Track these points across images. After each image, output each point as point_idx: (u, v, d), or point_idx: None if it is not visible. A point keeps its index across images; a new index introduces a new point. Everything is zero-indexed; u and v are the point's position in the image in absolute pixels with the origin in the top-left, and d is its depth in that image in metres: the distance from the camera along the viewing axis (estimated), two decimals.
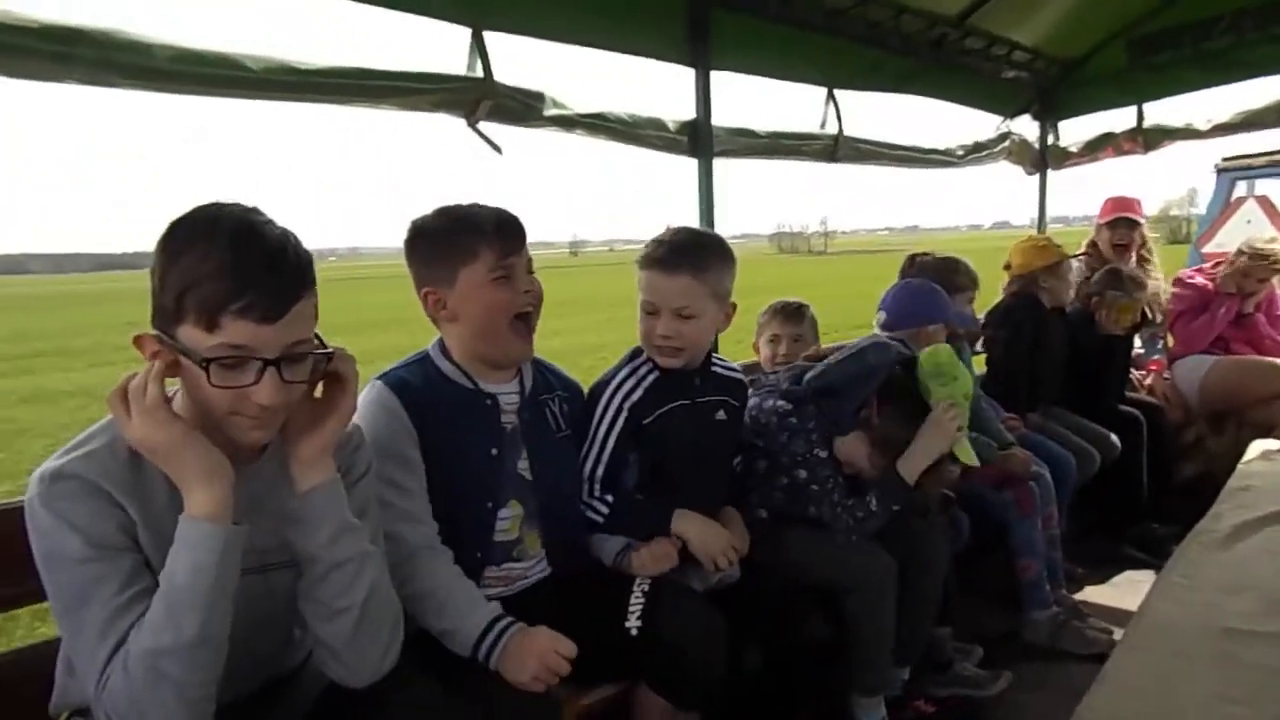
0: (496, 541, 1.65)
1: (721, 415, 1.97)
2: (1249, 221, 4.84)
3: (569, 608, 1.59)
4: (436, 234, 1.62)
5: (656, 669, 1.58)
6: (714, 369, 1.97)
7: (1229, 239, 4.83)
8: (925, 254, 3.03)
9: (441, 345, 1.69)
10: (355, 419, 1.32)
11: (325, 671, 1.22)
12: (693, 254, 1.79)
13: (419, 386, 1.61)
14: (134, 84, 1.73)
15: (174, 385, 1.12)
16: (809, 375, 2.11)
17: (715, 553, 1.79)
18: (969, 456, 2.08)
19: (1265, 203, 4.71)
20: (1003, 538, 2.68)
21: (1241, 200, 5.04)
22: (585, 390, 1.91)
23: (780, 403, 2.10)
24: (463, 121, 2.32)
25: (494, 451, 1.64)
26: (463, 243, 1.59)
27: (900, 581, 2.04)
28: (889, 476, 2.03)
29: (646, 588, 1.62)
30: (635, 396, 1.85)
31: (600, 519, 1.82)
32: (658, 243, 1.82)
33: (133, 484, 1.09)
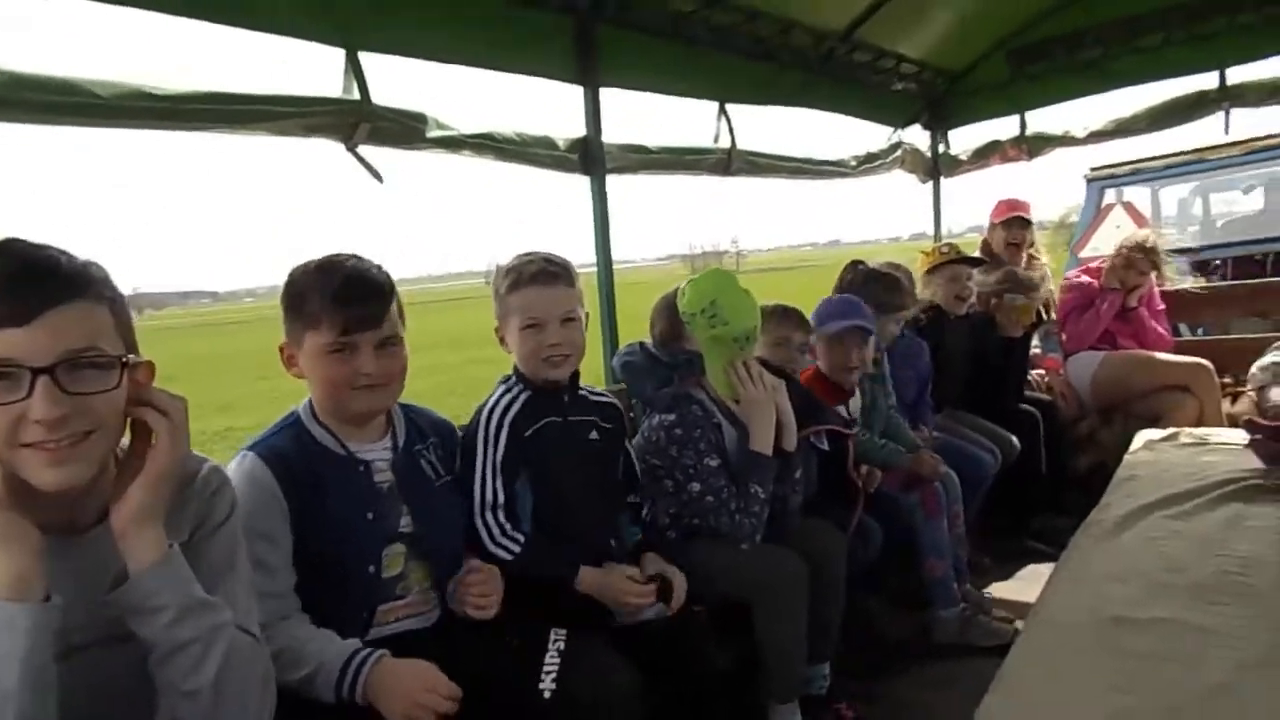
0: (383, 579, 1.58)
1: (594, 435, 1.96)
2: (1118, 226, 5.13)
3: (471, 656, 1.53)
4: (295, 289, 1.55)
5: None
6: (581, 391, 1.98)
7: (1102, 243, 5.13)
8: (862, 263, 3.07)
9: (311, 406, 1.62)
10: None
11: None
12: (562, 266, 1.87)
13: (291, 455, 1.53)
14: None
15: None
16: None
17: (625, 605, 1.81)
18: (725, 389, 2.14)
19: (1131, 209, 5.03)
20: (911, 539, 2.71)
21: (1110, 207, 5.34)
22: (457, 428, 1.87)
23: (665, 416, 2.08)
24: (341, 147, 2.24)
25: (369, 515, 1.57)
26: (308, 307, 1.52)
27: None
28: (752, 461, 2.07)
29: (562, 646, 1.56)
30: (512, 412, 1.86)
31: (509, 557, 1.77)
32: (528, 263, 1.85)
33: None
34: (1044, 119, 4.44)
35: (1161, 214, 6.36)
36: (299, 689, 1.40)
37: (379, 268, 1.57)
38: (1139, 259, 3.86)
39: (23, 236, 1.00)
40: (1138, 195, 5.77)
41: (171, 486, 1.08)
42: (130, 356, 1.04)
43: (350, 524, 1.54)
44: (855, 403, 2.70)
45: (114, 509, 1.04)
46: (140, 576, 1.03)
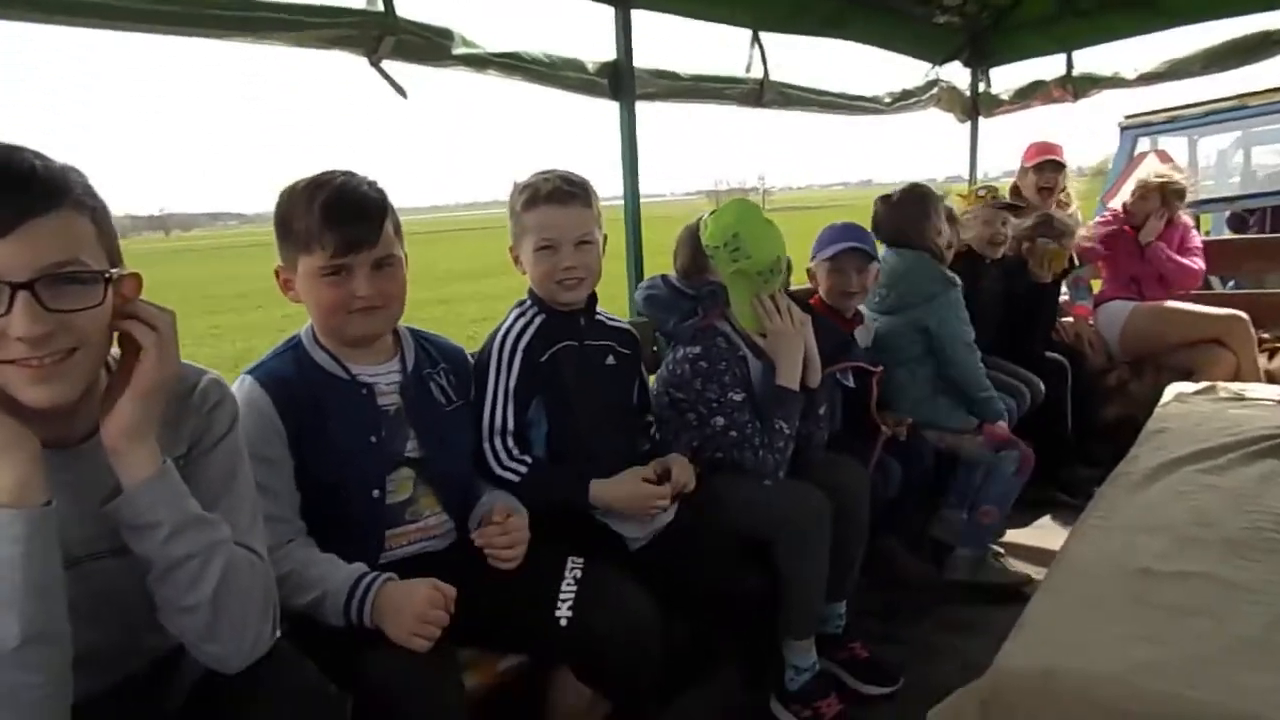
0: (388, 505, 1.57)
1: (611, 360, 1.93)
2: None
3: (486, 581, 1.52)
4: (285, 211, 1.50)
5: (584, 659, 1.53)
6: (598, 316, 1.95)
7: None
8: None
9: (312, 330, 1.58)
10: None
11: (195, 656, 1.11)
12: (580, 185, 1.82)
13: (290, 378, 1.50)
14: None
15: None
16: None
17: (643, 507, 1.80)
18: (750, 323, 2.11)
19: (1164, 156, 4.80)
20: (929, 480, 2.68)
21: (1143, 155, 5.12)
22: (469, 355, 1.84)
23: (689, 348, 2.05)
24: (365, 61, 2.17)
25: (373, 439, 1.54)
26: (298, 230, 1.47)
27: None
28: (778, 396, 2.04)
29: (579, 574, 1.55)
30: (527, 337, 1.82)
31: (516, 479, 1.75)
32: (544, 180, 1.80)
33: None
34: (1092, 58, 4.24)
35: (1199, 164, 6.15)
36: (307, 612, 1.41)
37: (371, 184, 1.51)
38: (1151, 192, 3.77)
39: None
40: (1174, 145, 5.55)
41: (162, 400, 1.06)
42: (114, 271, 1.00)
43: (352, 448, 1.52)
44: (864, 333, 2.64)
45: (104, 424, 1.02)
46: (133, 492, 1.02)
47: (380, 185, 1.53)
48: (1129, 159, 5.16)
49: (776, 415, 2.04)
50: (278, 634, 1.15)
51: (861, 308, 2.66)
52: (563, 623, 1.49)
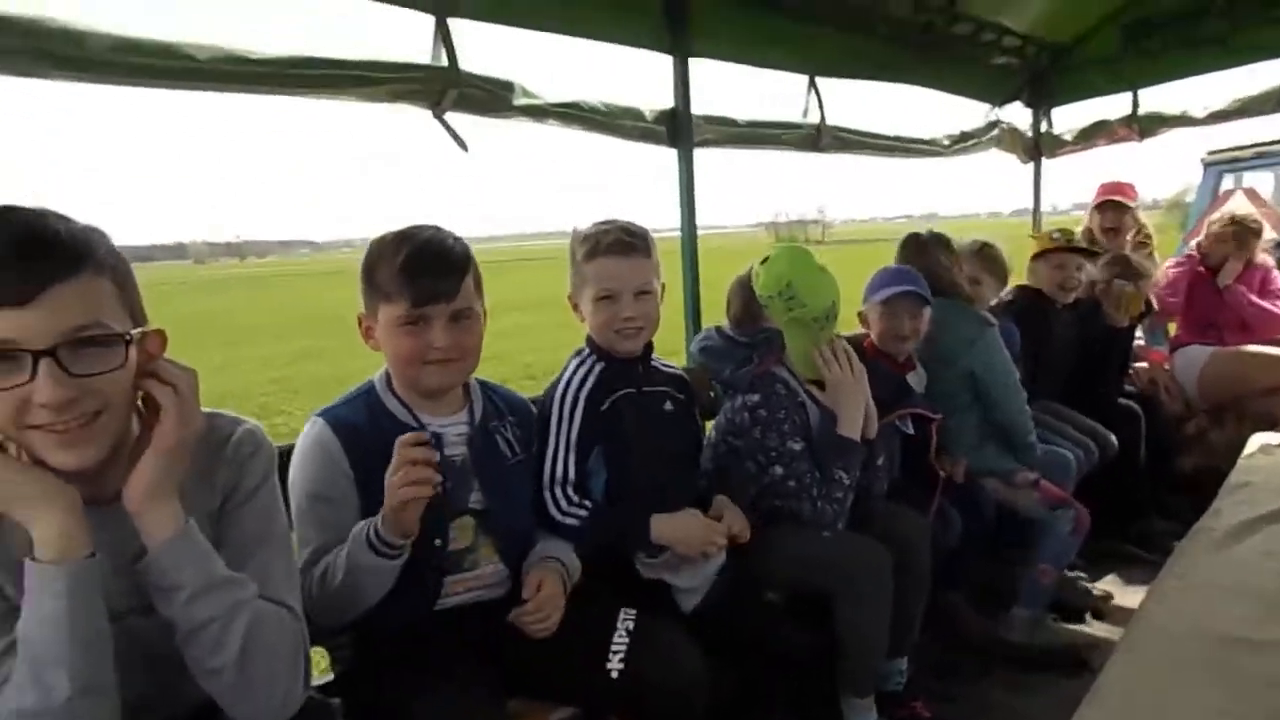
0: (449, 552, 1.57)
1: (669, 406, 1.94)
2: None
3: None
4: (371, 261, 1.54)
5: (634, 710, 1.52)
6: (654, 364, 1.95)
7: None
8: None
9: (386, 377, 1.62)
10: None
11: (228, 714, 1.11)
12: (640, 237, 1.84)
13: (360, 425, 1.53)
14: (67, 75, 1.64)
15: None
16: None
17: (700, 545, 1.78)
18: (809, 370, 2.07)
19: (1252, 194, 4.63)
20: (988, 530, 2.61)
21: (1229, 194, 4.95)
22: (533, 406, 1.84)
23: (748, 396, 2.03)
24: (429, 113, 2.23)
25: (438, 490, 1.51)
26: (381, 279, 1.51)
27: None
28: (839, 446, 2.01)
29: (631, 626, 1.54)
30: (588, 386, 1.84)
31: (576, 524, 1.75)
32: (605, 231, 1.82)
33: None
34: (1159, 96, 4.15)
35: None
36: (352, 598, 1.41)
37: (456, 239, 1.55)
38: (1227, 233, 3.64)
39: (20, 204, 0.97)
40: (1261, 181, 5.35)
41: (185, 459, 1.06)
42: (133, 332, 1.01)
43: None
44: (917, 378, 2.57)
45: (126, 485, 1.02)
46: (156, 554, 1.02)
47: (464, 240, 1.56)
48: (1213, 196, 4.98)
49: (836, 465, 2.01)
50: (310, 690, 1.15)
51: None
52: (614, 674, 1.48)
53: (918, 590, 2.10)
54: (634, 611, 1.58)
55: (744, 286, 2.32)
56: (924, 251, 2.78)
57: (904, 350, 2.52)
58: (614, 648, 1.51)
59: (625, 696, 1.49)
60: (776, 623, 1.82)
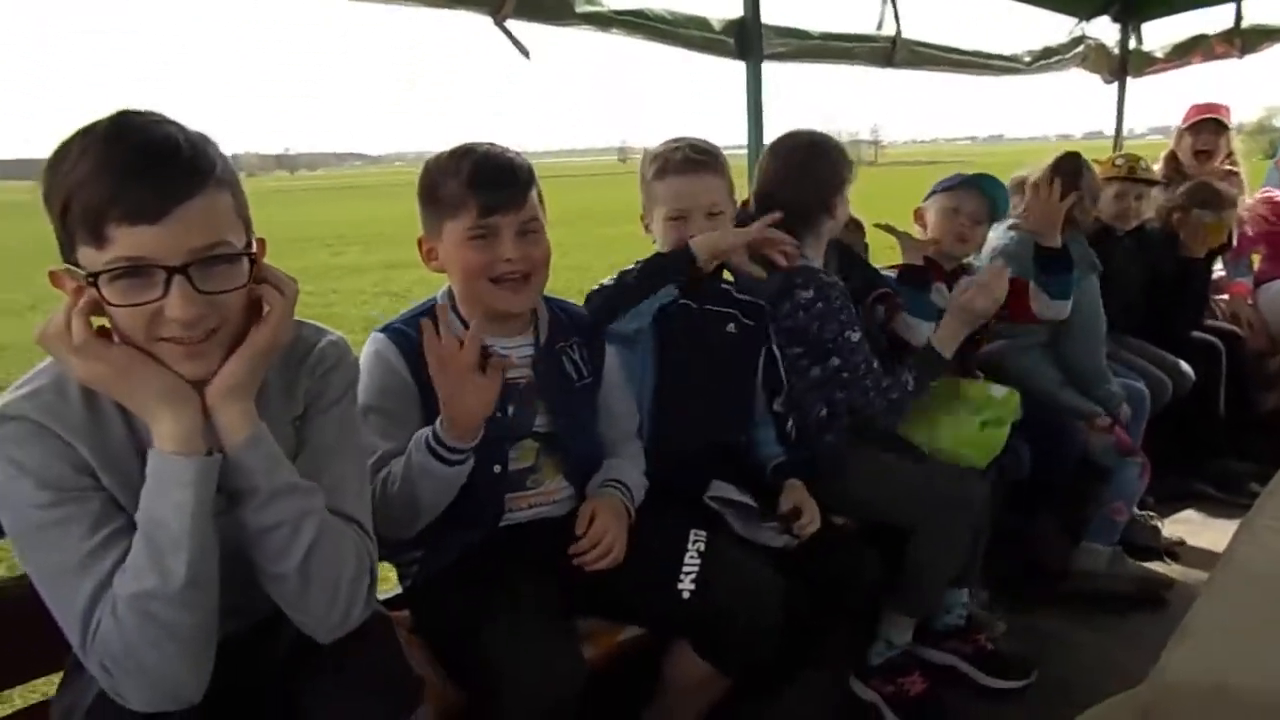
0: (509, 473, 1.56)
1: (732, 328, 1.87)
2: None
3: None
4: (431, 179, 1.50)
5: (705, 633, 1.51)
6: (724, 285, 1.89)
7: None
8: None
9: (450, 295, 1.58)
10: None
11: (291, 619, 1.12)
12: (711, 154, 1.79)
13: (420, 341, 1.47)
14: None
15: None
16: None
17: (811, 525, 1.74)
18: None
19: None
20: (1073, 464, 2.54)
21: None
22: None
23: (803, 293, 1.94)
24: (489, 20, 2.15)
25: (499, 415, 1.49)
26: (446, 193, 1.47)
27: None
28: (926, 353, 1.98)
29: (702, 547, 1.52)
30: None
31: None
32: (674, 149, 1.77)
33: (85, 424, 1.01)
34: (1265, 7, 3.85)
35: None
36: (414, 507, 1.40)
37: (517, 154, 1.51)
38: None
39: (134, 108, 0.99)
40: None
41: (266, 364, 1.07)
42: (253, 251, 1.03)
43: None
44: (939, 295, 2.31)
45: (212, 382, 1.03)
46: (232, 455, 1.03)
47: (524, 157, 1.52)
48: None
49: (911, 372, 1.98)
50: (373, 608, 1.15)
51: (970, 261, 2.47)
52: (685, 595, 1.47)
53: (978, 525, 2.05)
54: (704, 533, 1.56)
55: None
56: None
57: (956, 255, 2.36)
58: (685, 569, 1.49)
59: (696, 618, 1.48)
60: (850, 549, 1.79)
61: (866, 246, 2.50)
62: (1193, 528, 2.87)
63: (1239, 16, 3.86)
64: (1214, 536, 2.59)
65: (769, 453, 1.90)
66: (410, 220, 1.61)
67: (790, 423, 1.95)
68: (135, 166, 0.92)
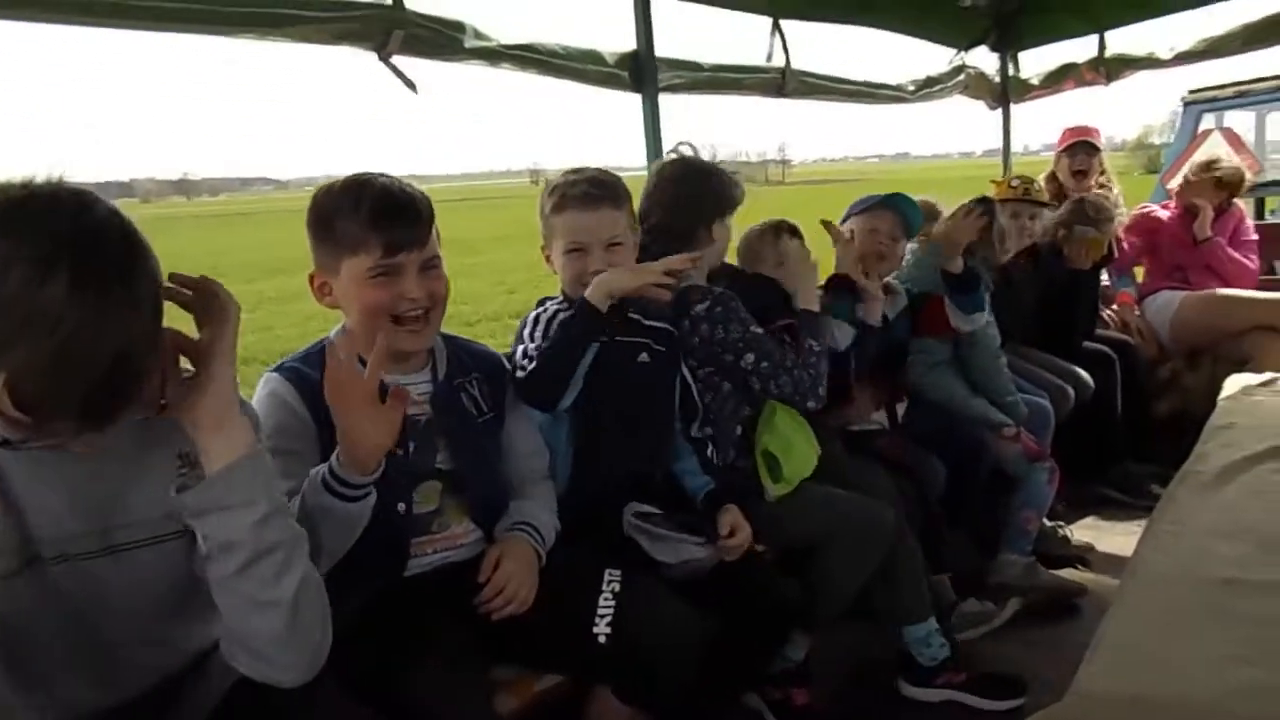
0: (415, 515, 1.48)
1: (644, 358, 1.83)
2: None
3: None
4: (324, 213, 1.43)
5: (625, 677, 1.46)
6: (632, 315, 1.85)
7: None
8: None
9: (345, 330, 1.51)
10: None
11: (238, 668, 1.03)
12: (609, 187, 1.76)
13: (317, 383, 1.39)
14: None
15: None
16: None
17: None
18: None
19: (1230, 135, 4.56)
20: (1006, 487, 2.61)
21: (1208, 133, 4.88)
22: (505, 361, 1.74)
23: (699, 306, 1.94)
24: (374, 55, 2.08)
25: (400, 453, 1.43)
26: (345, 231, 1.40)
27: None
28: (804, 319, 2.06)
29: (617, 587, 1.47)
30: (562, 317, 1.73)
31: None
32: (572, 183, 1.74)
33: None
34: (1125, 38, 4.07)
35: (1267, 141, 5.82)
36: (318, 554, 1.25)
37: (415, 188, 1.45)
38: (1203, 182, 3.61)
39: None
40: (1241, 121, 5.27)
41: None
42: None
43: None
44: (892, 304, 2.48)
45: (199, 400, 0.99)
46: (236, 469, 0.97)
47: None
48: (1192, 137, 4.91)
49: (806, 336, 2.01)
50: None
51: (891, 280, 2.54)
52: (601, 640, 1.41)
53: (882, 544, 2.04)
54: (619, 572, 1.50)
55: None
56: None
57: (884, 272, 2.43)
58: (600, 611, 1.43)
59: (615, 662, 1.43)
60: (767, 577, 1.76)
61: None
62: (1100, 532, 2.95)
63: (1102, 47, 4.08)
64: (1121, 540, 2.66)
65: (697, 483, 1.86)
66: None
67: (710, 448, 1.94)
68: None
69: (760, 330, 1.97)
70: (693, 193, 2.05)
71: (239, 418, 1.00)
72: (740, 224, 2.20)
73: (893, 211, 2.42)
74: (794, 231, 2.28)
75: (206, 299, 1.02)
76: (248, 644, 1.01)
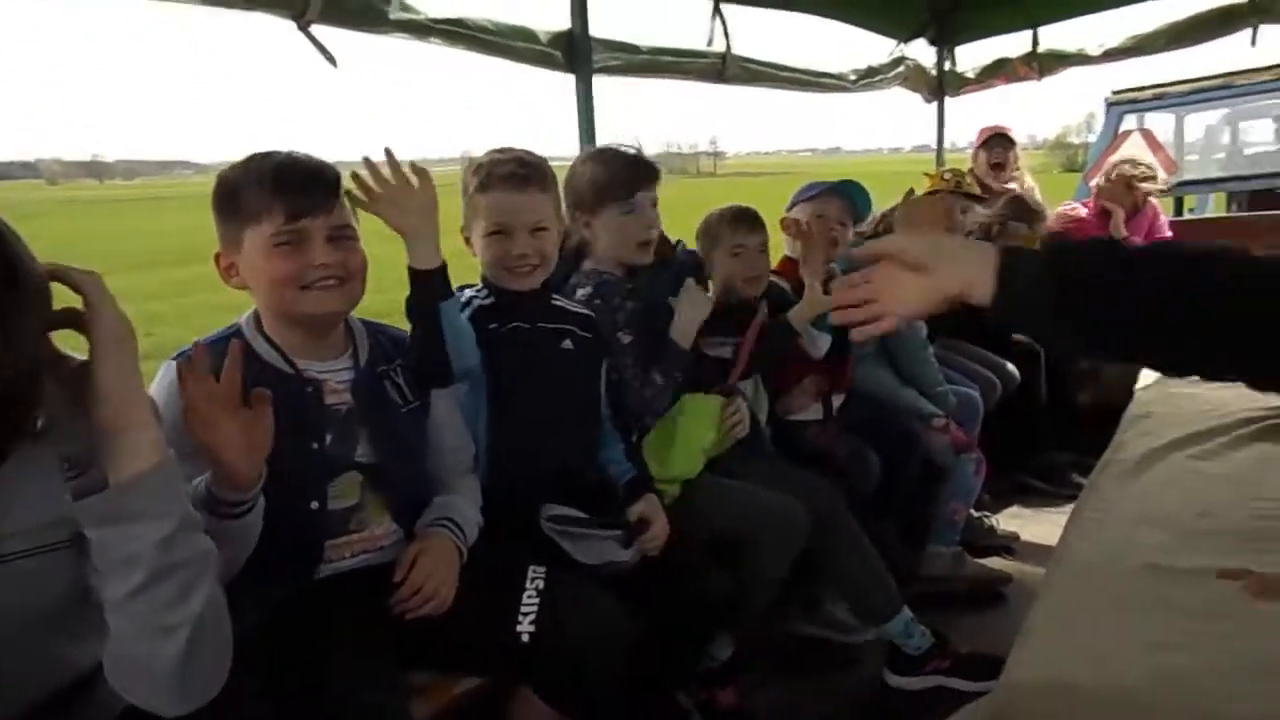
0: (330, 512, 1.40)
1: (568, 345, 1.79)
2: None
3: None
4: (227, 188, 1.35)
5: (548, 677, 1.41)
6: (555, 302, 1.82)
7: None
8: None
9: (255, 318, 1.42)
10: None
11: (121, 694, 0.94)
12: (537, 169, 1.72)
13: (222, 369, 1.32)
14: None
15: None
16: None
17: (659, 540, 1.72)
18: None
19: (1148, 136, 4.71)
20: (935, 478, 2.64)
21: (1128, 134, 5.04)
22: None
23: (583, 290, 1.92)
24: (291, 24, 1.97)
25: (315, 445, 1.37)
26: (247, 199, 1.32)
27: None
28: (665, 347, 1.96)
29: (541, 583, 1.42)
30: (481, 303, 1.72)
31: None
32: (499, 162, 1.69)
33: None
34: (1058, 35, 4.18)
35: (1185, 143, 6.02)
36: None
37: (318, 159, 1.38)
38: (1115, 184, 3.76)
39: None
40: (1161, 122, 5.47)
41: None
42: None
43: (289, 454, 1.31)
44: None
45: (101, 400, 0.89)
46: (143, 476, 0.88)
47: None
48: (1114, 136, 5.07)
49: (656, 368, 1.94)
50: None
51: (834, 266, 2.51)
52: (524, 639, 1.36)
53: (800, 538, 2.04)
54: (543, 568, 1.46)
55: None
56: None
57: (831, 257, 2.40)
58: (524, 609, 1.39)
59: (538, 662, 1.38)
60: (691, 569, 1.73)
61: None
62: (1024, 521, 3.01)
63: (1035, 42, 4.16)
64: (1045, 529, 2.72)
65: (620, 470, 1.82)
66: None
67: (635, 435, 1.91)
68: None
69: (628, 339, 1.93)
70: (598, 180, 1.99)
71: (146, 417, 0.92)
72: (670, 213, 2.14)
73: (840, 197, 2.44)
74: (755, 221, 2.26)
75: (69, 285, 0.92)
76: (134, 671, 0.91)
